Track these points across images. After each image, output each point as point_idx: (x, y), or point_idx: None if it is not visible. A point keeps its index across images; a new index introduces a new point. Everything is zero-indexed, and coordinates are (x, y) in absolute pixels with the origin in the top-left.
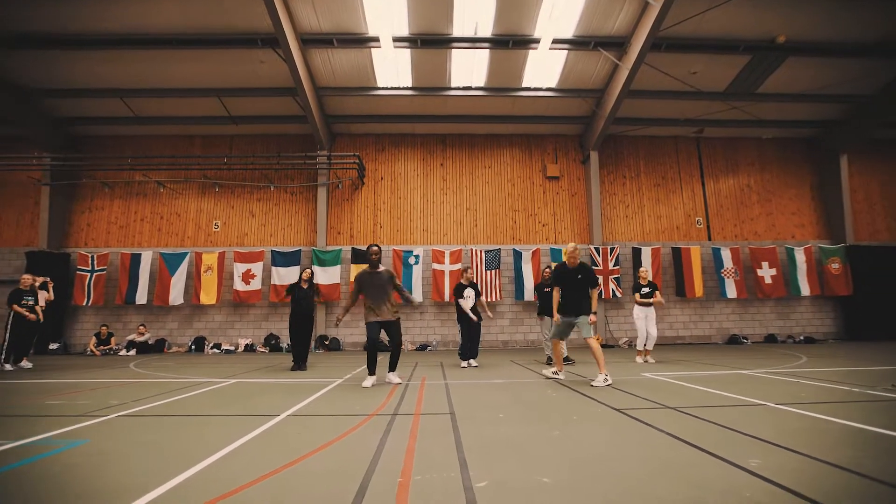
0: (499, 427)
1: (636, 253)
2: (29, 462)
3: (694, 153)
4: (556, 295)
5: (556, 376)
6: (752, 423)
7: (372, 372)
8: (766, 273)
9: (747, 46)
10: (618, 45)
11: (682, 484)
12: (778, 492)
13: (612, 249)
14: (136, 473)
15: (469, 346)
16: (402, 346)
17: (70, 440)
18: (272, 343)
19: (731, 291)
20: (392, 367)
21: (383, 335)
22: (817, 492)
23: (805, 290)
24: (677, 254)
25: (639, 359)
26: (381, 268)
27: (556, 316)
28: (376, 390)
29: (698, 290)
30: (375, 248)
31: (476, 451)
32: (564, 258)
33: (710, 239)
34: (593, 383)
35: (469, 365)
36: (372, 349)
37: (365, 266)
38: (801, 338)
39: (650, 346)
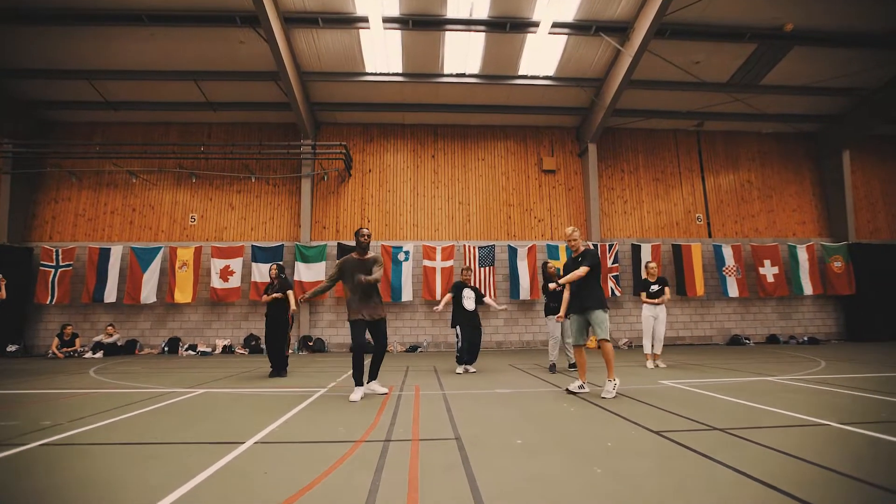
0: (521, 460)
1: (636, 250)
2: None
3: (694, 147)
4: (566, 294)
5: (582, 390)
6: (838, 454)
7: (360, 382)
8: (769, 271)
9: (753, 34)
10: (620, 30)
11: None
12: None
13: (610, 246)
14: None
15: (471, 350)
16: (390, 349)
17: None
18: (252, 344)
19: (733, 290)
20: (374, 375)
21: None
22: None
23: (808, 289)
24: (678, 251)
25: (649, 363)
26: (370, 254)
27: (561, 315)
28: (363, 405)
29: (699, 288)
30: (366, 231)
31: (501, 502)
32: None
33: (710, 236)
34: (603, 394)
35: (466, 371)
36: (360, 354)
37: (352, 254)
38: (805, 338)
39: (658, 350)
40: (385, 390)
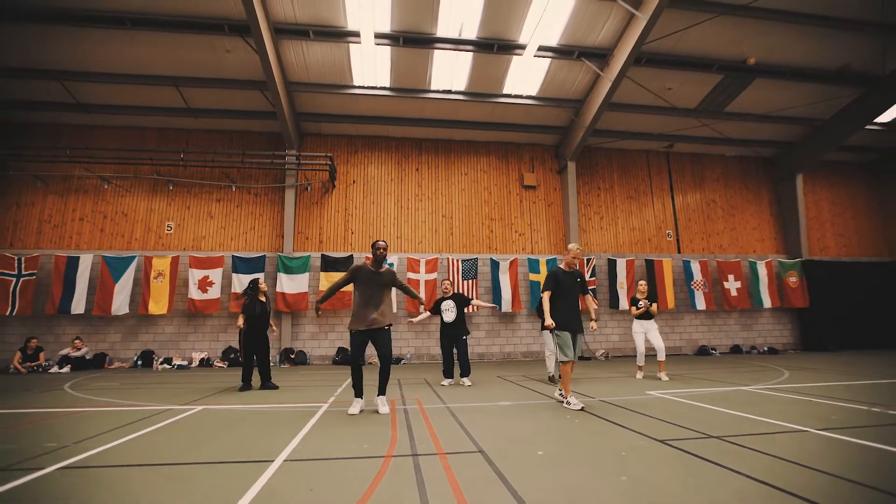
0: (552, 472)
1: (611, 264)
2: None
3: (664, 167)
4: (546, 299)
5: (569, 404)
6: (820, 456)
7: (359, 394)
8: (732, 286)
9: (721, 66)
10: (600, 56)
11: None
12: None
13: (588, 260)
14: None
15: (461, 364)
16: (373, 361)
17: None
18: (231, 357)
19: (701, 303)
20: (382, 390)
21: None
22: None
23: (767, 302)
24: (650, 266)
25: (638, 374)
26: (385, 267)
27: (549, 321)
28: (374, 420)
29: (670, 301)
30: (382, 243)
31: None
32: (566, 258)
33: (679, 251)
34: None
35: (455, 384)
36: (357, 365)
37: (365, 262)
38: (765, 349)
39: (662, 358)
40: (386, 410)
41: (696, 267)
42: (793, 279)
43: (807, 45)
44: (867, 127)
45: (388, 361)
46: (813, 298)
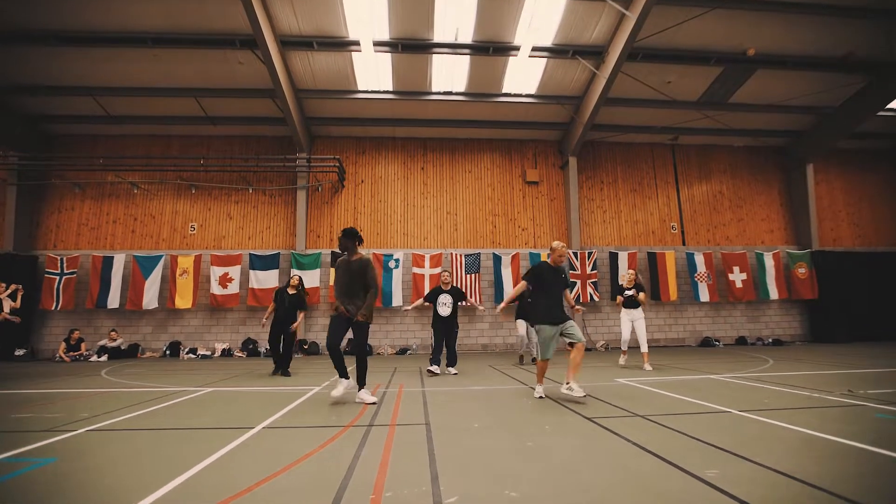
0: (473, 438)
1: (613, 257)
2: None
3: (669, 160)
4: (519, 286)
5: (535, 391)
6: (715, 431)
7: (342, 375)
8: (737, 277)
9: (719, 58)
10: (595, 53)
11: (643, 495)
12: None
13: (590, 254)
14: (102, 495)
15: (448, 354)
16: (381, 352)
17: (35, 459)
18: (250, 347)
19: (704, 295)
20: (361, 382)
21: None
22: (766, 503)
23: (774, 293)
24: (653, 258)
25: (621, 359)
26: (359, 254)
27: (505, 302)
28: (352, 399)
29: (673, 294)
30: (348, 229)
31: (449, 465)
32: (552, 256)
33: (684, 244)
34: (578, 397)
35: (439, 373)
36: (333, 351)
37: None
38: (770, 340)
39: (644, 349)
40: (374, 400)
41: (699, 259)
42: (801, 270)
43: (807, 35)
44: (880, 114)
45: (361, 351)
46: (823, 290)
